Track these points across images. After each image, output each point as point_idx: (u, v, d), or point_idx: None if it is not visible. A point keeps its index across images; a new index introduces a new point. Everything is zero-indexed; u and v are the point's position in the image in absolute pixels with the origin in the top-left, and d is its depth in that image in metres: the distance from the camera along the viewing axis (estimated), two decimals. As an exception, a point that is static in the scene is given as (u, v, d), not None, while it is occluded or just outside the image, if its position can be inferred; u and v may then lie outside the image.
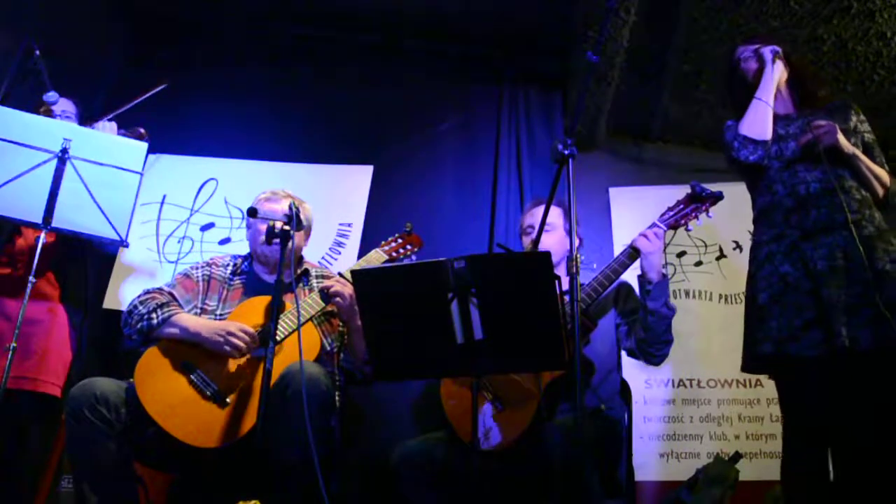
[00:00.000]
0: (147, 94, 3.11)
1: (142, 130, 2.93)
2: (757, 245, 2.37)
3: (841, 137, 2.26)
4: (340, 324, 2.59)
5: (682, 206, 2.58)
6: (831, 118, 2.36)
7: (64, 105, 2.98)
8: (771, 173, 2.37)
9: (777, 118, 2.42)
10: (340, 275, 2.54)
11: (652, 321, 2.48)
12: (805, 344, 2.12)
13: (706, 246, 3.62)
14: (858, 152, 2.30)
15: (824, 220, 2.22)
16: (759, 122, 2.37)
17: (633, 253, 2.52)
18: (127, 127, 2.94)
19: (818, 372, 2.15)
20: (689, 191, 2.58)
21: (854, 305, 2.11)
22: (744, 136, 2.38)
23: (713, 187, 2.57)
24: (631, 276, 2.64)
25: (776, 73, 2.43)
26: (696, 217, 2.55)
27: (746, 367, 2.35)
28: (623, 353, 2.69)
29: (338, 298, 2.44)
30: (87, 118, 3.03)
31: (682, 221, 2.55)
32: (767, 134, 2.37)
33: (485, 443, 2.40)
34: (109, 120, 2.97)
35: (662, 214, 2.58)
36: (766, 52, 2.46)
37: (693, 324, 3.32)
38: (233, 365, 2.34)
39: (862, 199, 2.25)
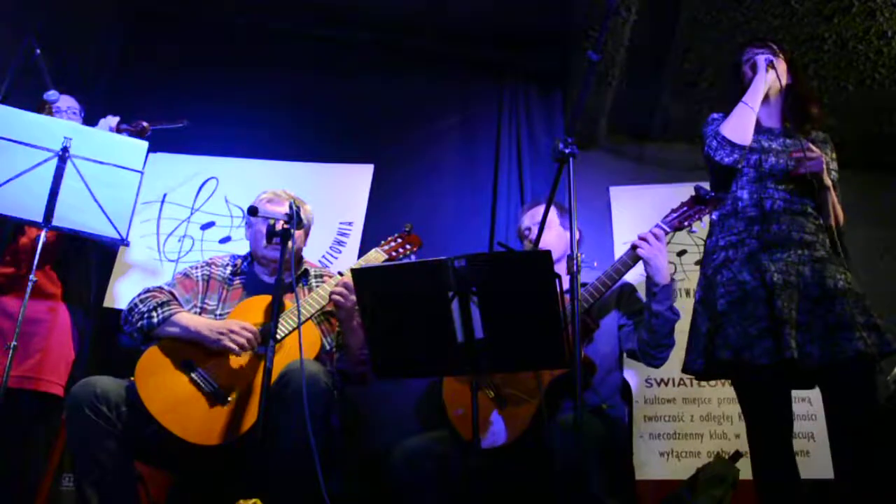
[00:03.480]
0: (166, 125, 3.07)
1: (144, 124, 2.93)
2: (712, 249, 2.41)
3: (825, 169, 2.31)
4: (339, 323, 2.59)
5: (686, 209, 2.56)
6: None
7: (69, 102, 2.99)
8: (742, 180, 2.40)
9: (761, 128, 2.46)
10: (340, 274, 2.55)
11: (656, 324, 2.47)
12: (758, 352, 2.16)
13: (707, 245, 3.61)
14: (831, 187, 2.36)
15: (783, 236, 2.28)
16: (741, 126, 2.39)
17: (635, 254, 2.52)
18: (129, 121, 2.94)
19: (773, 379, 2.22)
20: (692, 193, 2.57)
21: (803, 322, 2.17)
22: (723, 136, 2.40)
23: (713, 187, 2.57)
24: (635, 275, 2.63)
25: (767, 82, 2.44)
26: (700, 219, 2.54)
27: (687, 369, 2.38)
28: (624, 353, 2.69)
29: (338, 297, 2.45)
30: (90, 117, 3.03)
31: (686, 223, 2.54)
32: (747, 139, 2.39)
33: (488, 442, 2.40)
34: (114, 115, 2.97)
35: (666, 216, 2.57)
36: (760, 59, 2.47)
37: (694, 323, 3.32)
38: (233, 363, 2.34)
39: (818, 226, 2.32)
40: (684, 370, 2.40)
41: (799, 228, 2.28)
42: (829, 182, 2.33)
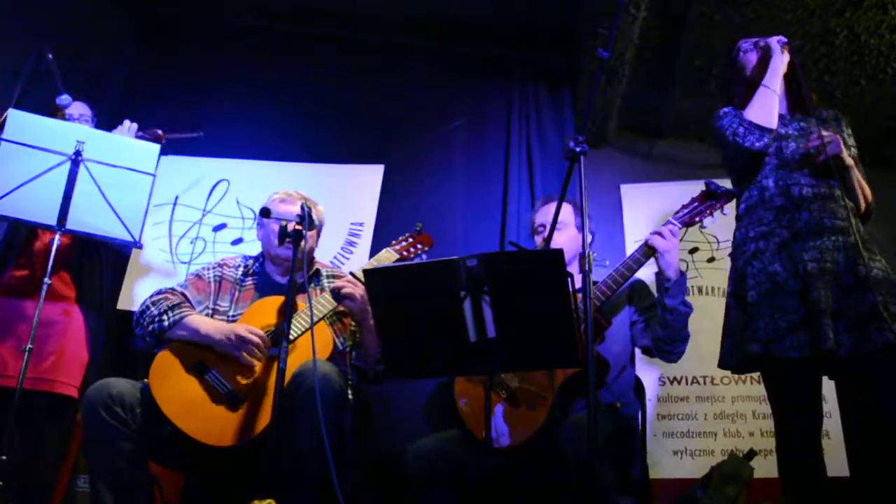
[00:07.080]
0: (181, 135, 3.16)
1: (159, 132, 2.95)
2: (742, 241, 2.36)
3: (844, 149, 2.27)
4: (352, 323, 2.59)
5: (696, 204, 2.56)
6: (826, 127, 2.37)
7: (81, 109, 3.01)
8: (766, 169, 2.37)
9: None
10: (352, 274, 2.55)
11: (670, 319, 2.46)
12: (789, 345, 2.12)
13: (718, 242, 3.60)
14: (853, 164, 2.32)
15: (815, 224, 2.23)
16: (766, 109, 2.36)
17: (647, 251, 2.51)
18: (145, 129, 2.96)
19: (803, 373, 2.18)
20: (703, 188, 2.57)
21: (837, 310, 2.12)
22: (750, 121, 2.36)
23: (725, 183, 2.56)
24: (645, 272, 2.62)
25: (784, 64, 2.42)
26: (711, 214, 2.54)
27: (724, 364, 2.35)
28: (637, 350, 2.68)
29: (348, 301, 2.45)
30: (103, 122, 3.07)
31: (698, 219, 2.54)
32: (774, 122, 2.36)
33: (501, 441, 2.40)
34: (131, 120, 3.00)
35: (677, 212, 2.57)
36: (774, 41, 2.45)
37: (706, 321, 3.30)
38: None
39: (849, 210, 2.27)
40: (720, 365, 2.36)
41: (830, 214, 2.23)
42: (849, 161, 2.29)
